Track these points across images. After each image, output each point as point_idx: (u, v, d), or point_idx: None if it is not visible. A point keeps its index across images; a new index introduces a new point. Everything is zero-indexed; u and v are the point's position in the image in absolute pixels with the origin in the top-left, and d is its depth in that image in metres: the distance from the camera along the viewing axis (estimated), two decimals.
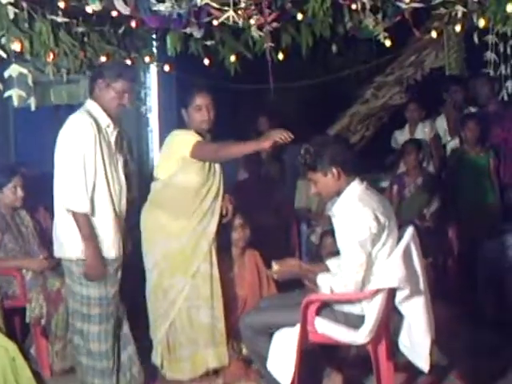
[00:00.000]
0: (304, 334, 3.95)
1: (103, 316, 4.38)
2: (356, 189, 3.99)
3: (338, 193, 4.03)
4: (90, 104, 4.41)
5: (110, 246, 4.36)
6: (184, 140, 4.69)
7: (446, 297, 5.77)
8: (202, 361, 4.78)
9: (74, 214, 4.24)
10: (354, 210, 3.89)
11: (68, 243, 4.33)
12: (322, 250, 5.46)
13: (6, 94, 5.00)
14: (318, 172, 3.99)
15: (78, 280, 4.34)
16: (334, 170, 3.97)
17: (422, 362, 3.99)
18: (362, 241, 3.83)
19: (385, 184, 7.00)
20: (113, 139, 4.43)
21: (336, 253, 4.15)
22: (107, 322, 4.40)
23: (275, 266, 4.26)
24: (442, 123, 7.27)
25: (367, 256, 3.86)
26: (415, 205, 6.45)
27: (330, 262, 4.24)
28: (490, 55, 5.34)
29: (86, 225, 4.26)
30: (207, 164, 4.73)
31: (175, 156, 4.69)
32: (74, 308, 4.42)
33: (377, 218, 3.85)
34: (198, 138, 4.68)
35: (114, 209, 4.38)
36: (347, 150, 4.18)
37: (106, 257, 4.34)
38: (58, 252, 4.44)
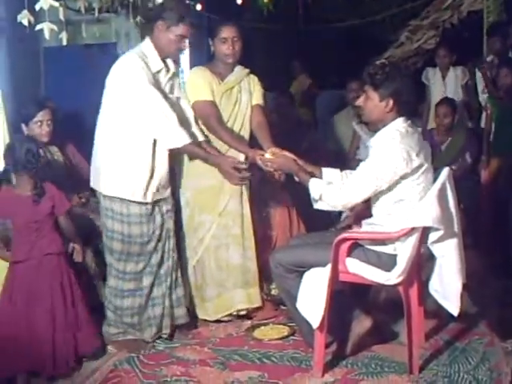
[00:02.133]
0: (335, 273, 3.90)
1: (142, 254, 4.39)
2: (399, 125, 3.91)
3: (381, 124, 3.95)
4: (146, 45, 4.34)
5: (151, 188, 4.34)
6: (193, 89, 4.64)
7: (478, 245, 5.76)
8: (228, 303, 4.76)
9: (183, 149, 4.31)
10: (389, 144, 3.83)
11: (109, 181, 4.30)
12: None
13: (38, 27, 4.96)
14: (377, 93, 3.90)
15: (120, 217, 4.31)
16: (391, 102, 3.89)
17: (452, 305, 3.91)
18: (381, 173, 3.78)
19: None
20: (163, 84, 4.37)
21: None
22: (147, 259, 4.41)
23: (268, 154, 4.26)
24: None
25: (374, 191, 3.83)
26: (445, 162, 6.35)
27: (326, 170, 4.19)
28: None
29: (198, 151, 4.36)
30: (233, 96, 4.69)
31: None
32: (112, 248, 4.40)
33: (409, 159, 3.78)
34: (205, 96, 4.61)
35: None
36: (412, 92, 4.09)
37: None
38: (97, 186, 4.40)
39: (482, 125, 6.69)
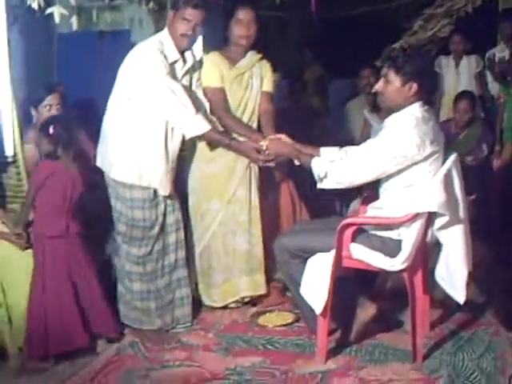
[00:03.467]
0: (339, 259, 3.87)
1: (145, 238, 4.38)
2: (416, 110, 3.86)
3: (398, 109, 3.90)
4: (163, 34, 4.34)
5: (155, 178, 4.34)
6: (204, 75, 4.60)
7: (487, 235, 5.71)
8: (234, 289, 4.75)
9: (204, 136, 4.36)
10: (403, 128, 3.78)
11: (117, 165, 4.30)
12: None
13: (48, 11, 4.96)
14: (400, 76, 3.84)
15: (124, 201, 4.33)
16: (415, 86, 3.83)
17: (459, 293, 3.88)
18: (391, 156, 3.75)
19: None
20: (180, 75, 4.37)
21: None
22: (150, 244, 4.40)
23: (265, 141, 4.27)
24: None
25: (382, 172, 3.81)
26: (462, 150, 6.30)
27: (325, 150, 4.15)
28: None
29: (220, 137, 4.43)
30: (244, 81, 4.66)
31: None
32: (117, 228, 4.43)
33: (423, 146, 3.74)
34: (214, 82, 4.59)
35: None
36: (431, 73, 4.04)
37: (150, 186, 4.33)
38: (104, 167, 4.40)
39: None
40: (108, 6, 6.46)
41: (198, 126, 4.28)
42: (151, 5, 6.12)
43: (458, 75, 6.96)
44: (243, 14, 4.61)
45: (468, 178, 5.64)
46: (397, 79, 3.85)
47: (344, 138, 6.44)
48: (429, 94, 3.95)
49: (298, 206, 5.17)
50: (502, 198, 6.05)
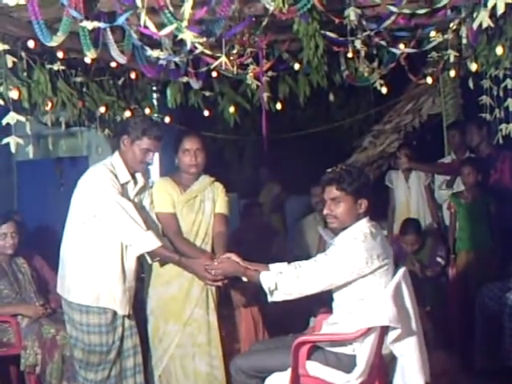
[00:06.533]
0: (295, 377, 3.87)
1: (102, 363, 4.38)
2: (364, 225, 3.97)
3: (347, 225, 4.00)
4: (115, 158, 4.47)
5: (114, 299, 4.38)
6: (155, 200, 4.69)
7: (446, 345, 5.75)
8: None
9: (154, 253, 4.37)
10: (351, 243, 3.88)
11: (74, 288, 4.34)
12: None
13: (4, 141, 5.06)
14: (350, 196, 3.95)
15: (80, 327, 4.35)
16: (365, 202, 3.95)
17: None
18: (339, 269, 3.83)
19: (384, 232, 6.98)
20: (132, 195, 4.47)
21: None
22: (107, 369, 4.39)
23: (215, 261, 4.35)
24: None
25: (330, 284, 3.88)
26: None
27: (273, 266, 4.17)
28: (485, 99, 5.38)
29: (170, 254, 4.41)
30: (196, 205, 4.75)
31: None
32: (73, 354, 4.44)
33: (371, 260, 3.83)
34: (165, 208, 4.67)
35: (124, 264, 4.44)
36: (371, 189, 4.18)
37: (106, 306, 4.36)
38: (62, 292, 4.43)
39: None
40: (65, 133, 6.59)
41: (149, 242, 4.32)
42: (106, 131, 6.28)
43: (408, 189, 7.09)
44: (190, 144, 4.71)
45: (427, 288, 5.79)
46: (348, 199, 3.96)
47: (300, 254, 6.53)
48: (375, 208, 4.06)
49: (261, 330, 5.13)
50: (459, 306, 6.12)
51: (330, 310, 4.16)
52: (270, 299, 4.00)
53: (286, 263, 4.19)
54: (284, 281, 3.92)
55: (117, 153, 4.49)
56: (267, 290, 3.97)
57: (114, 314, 4.39)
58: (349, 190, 3.94)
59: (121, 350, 4.43)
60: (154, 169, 7.36)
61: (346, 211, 3.97)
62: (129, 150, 4.41)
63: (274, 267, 4.15)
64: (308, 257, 6.19)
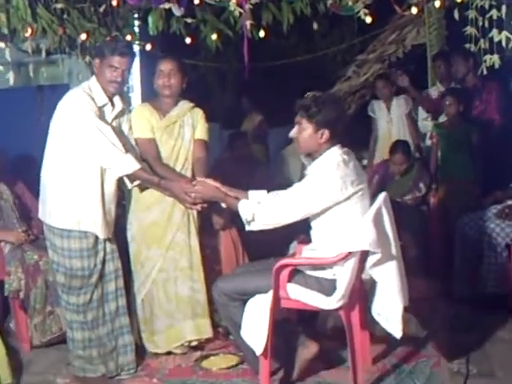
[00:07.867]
0: (276, 299, 3.95)
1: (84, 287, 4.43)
2: (335, 154, 4.00)
3: (317, 154, 4.04)
4: (92, 81, 4.47)
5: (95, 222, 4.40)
6: (134, 126, 4.70)
7: (427, 273, 5.85)
8: (178, 334, 4.77)
9: (133, 175, 4.41)
10: (324, 172, 3.93)
11: (56, 212, 4.37)
12: None
13: None
14: (311, 124, 3.99)
15: (61, 252, 4.38)
16: (327, 132, 3.98)
17: (395, 327, 3.96)
18: (314, 198, 3.89)
19: (365, 162, 7.04)
20: (110, 119, 4.46)
21: None
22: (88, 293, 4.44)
23: (193, 184, 4.38)
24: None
25: (306, 213, 3.95)
26: (399, 190, 6.46)
27: (253, 193, 4.24)
28: (470, 30, 5.35)
29: (149, 177, 4.46)
30: (175, 130, 4.75)
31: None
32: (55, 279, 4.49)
33: (344, 187, 3.88)
34: (144, 133, 4.69)
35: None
36: (344, 119, 4.19)
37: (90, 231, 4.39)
38: (43, 217, 4.46)
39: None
40: (45, 60, 6.50)
41: (128, 164, 4.35)
42: (87, 58, 6.20)
43: (390, 118, 7.12)
44: (164, 66, 4.74)
45: (407, 216, 5.85)
46: (309, 126, 4.00)
47: (284, 183, 6.55)
48: (342, 138, 4.08)
49: (241, 253, 5.20)
50: (440, 235, 6.20)
51: (308, 238, 4.22)
52: (247, 228, 4.07)
53: (265, 191, 4.24)
54: (261, 211, 3.98)
55: (93, 77, 4.51)
56: (245, 220, 4.04)
57: (96, 238, 4.42)
58: (311, 118, 3.98)
59: (102, 273, 4.47)
60: (136, 96, 7.31)
61: (306, 138, 4.04)
62: (100, 72, 4.42)
63: (253, 195, 4.19)
64: (291, 185, 6.30)
